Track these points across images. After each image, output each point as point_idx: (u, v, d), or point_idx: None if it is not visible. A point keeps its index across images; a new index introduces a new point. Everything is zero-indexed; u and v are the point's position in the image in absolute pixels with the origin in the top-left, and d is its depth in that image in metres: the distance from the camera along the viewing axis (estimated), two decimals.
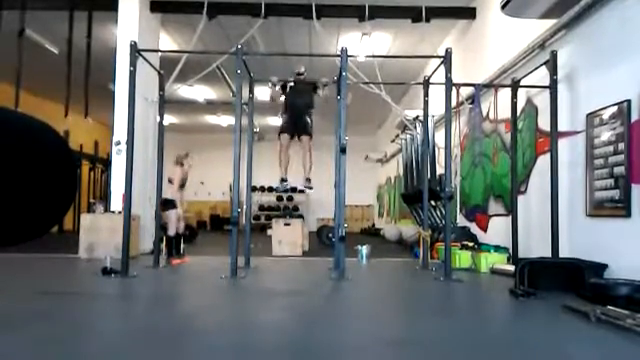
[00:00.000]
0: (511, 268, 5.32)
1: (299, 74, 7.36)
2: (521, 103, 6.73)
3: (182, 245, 7.58)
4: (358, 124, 17.23)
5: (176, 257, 7.19)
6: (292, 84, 7.27)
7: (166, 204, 7.02)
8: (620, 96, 4.72)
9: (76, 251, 7.58)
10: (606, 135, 4.92)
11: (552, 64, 5.77)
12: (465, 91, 7.36)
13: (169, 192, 7.17)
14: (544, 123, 6.12)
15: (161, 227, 7.01)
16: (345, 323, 3.48)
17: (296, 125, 7.24)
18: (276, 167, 7.72)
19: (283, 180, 7.49)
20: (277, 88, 7.31)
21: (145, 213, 8.06)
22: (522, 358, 2.62)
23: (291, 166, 7.66)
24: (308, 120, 7.24)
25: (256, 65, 7.70)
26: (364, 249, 7.83)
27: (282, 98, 7.43)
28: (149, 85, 7.63)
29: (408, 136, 10.48)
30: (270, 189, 20.54)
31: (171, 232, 7.23)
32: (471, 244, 7.01)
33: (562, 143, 5.71)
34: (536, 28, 6.29)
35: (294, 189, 17.58)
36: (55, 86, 10.36)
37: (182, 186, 7.46)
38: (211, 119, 18.96)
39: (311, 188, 7.80)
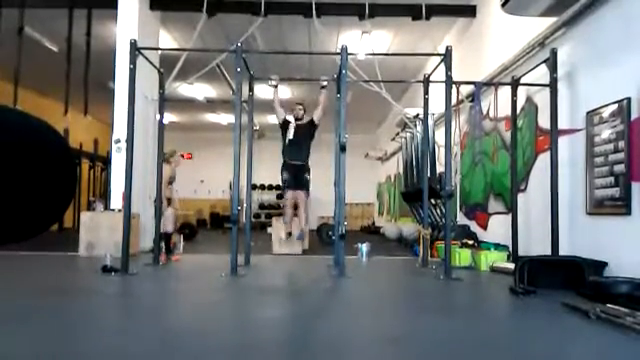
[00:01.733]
0: (511, 266, 5.32)
1: (298, 119, 7.40)
2: (521, 101, 6.73)
3: (181, 243, 7.61)
4: (358, 122, 17.22)
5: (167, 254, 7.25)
6: (292, 132, 7.30)
7: None
8: (620, 94, 4.71)
9: (76, 249, 7.59)
10: (606, 133, 4.92)
11: (552, 62, 5.76)
12: (465, 89, 7.36)
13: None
14: (544, 121, 6.11)
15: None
16: (345, 320, 3.48)
17: (294, 182, 7.52)
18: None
19: (289, 234, 7.94)
20: (277, 92, 7.32)
21: (145, 211, 8.06)
22: (522, 356, 2.62)
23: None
24: (307, 177, 7.55)
25: (256, 63, 7.71)
26: (364, 247, 7.84)
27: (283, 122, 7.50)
28: (149, 83, 7.62)
29: (408, 134, 10.47)
30: (270, 187, 20.54)
31: (162, 229, 7.32)
32: (471, 242, 7.01)
33: (562, 141, 5.71)
34: (536, 26, 6.28)
35: None
36: (54, 84, 10.36)
37: (170, 183, 7.51)
38: (211, 117, 18.94)
39: (302, 239, 8.31)
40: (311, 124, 7.38)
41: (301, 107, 7.48)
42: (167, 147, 6.96)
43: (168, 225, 7.29)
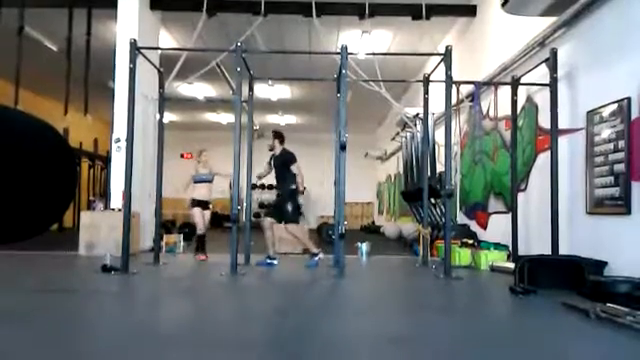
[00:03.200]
0: (511, 266, 5.32)
1: (271, 150, 7.05)
2: (521, 101, 6.73)
3: (181, 242, 7.69)
4: (358, 121, 17.21)
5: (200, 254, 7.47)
6: (272, 164, 7.06)
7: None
8: (620, 93, 4.71)
9: (76, 248, 7.59)
10: (606, 133, 4.92)
11: (552, 62, 5.76)
12: (465, 89, 7.36)
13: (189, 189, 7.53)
14: (544, 121, 6.11)
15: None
16: (345, 319, 3.49)
17: (279, 212, 6.86)
18: None
19: (270, 258, 6.83)
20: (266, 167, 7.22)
21: (145, 210, 8.06)
22: (522, 356, 2.62)
23: None
24: (288, 208, 6.75)
25: (256, 63, 7.69)
26: (364, 246, 7.84)
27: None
28: (149, 83, 7.62)
29: (408, 134, 10.47)
30: (270, 187, 20.53)
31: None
32: (471, 242, 7.01)
33: (562, 141, 5.71)
34: (536, 26, 6.28)
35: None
36: (55, 84, 10.36)
37: (200, 182, 7.53)
38: (211, 117, 18.95)
39: (317, 256, 7.34)
40: (283, 154, 6.95)
41: (274, 136, 7.02)
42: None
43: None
